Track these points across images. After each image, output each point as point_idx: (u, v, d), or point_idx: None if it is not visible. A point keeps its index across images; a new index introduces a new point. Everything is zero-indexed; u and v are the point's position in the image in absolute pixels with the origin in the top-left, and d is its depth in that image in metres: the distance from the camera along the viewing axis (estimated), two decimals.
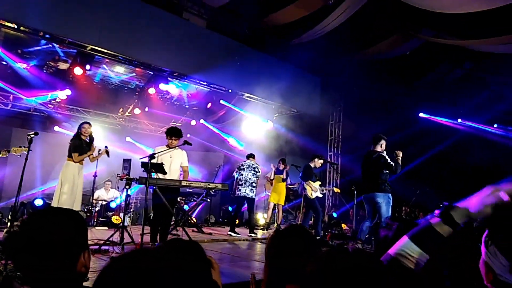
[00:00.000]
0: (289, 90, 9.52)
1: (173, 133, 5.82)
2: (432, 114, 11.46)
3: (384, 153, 5.87)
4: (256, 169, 8.13)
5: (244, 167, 8.14)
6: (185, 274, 0.91)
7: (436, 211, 1.21)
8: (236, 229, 7.74)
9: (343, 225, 9.36)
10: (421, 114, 11.55)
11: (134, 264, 0.75)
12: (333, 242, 7.20)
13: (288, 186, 10.19)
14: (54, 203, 5.71)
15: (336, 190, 9.61)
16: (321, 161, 7.98)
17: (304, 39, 8.95)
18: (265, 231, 8.79)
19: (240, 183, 7.97)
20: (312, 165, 7.87)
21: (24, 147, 5.38)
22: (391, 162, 5.69)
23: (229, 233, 7.63)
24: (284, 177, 8.95)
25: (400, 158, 5.79)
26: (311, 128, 10.76)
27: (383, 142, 6.01)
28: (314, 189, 7.62)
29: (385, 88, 11.38)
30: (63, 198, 5.60)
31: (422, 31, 8.58)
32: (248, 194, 7.91)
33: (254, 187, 8.01)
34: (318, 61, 10.09)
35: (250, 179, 7.99)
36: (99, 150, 6.19)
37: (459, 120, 11.15)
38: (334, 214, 9.77)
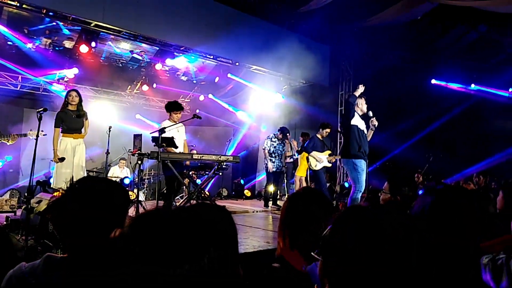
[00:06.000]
0: (298, 61, 9.29)
1: (176, 107, 5.87)
2: (445, 80, 11.18)
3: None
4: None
5: None
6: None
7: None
8: (251, 202, 7.82)
9: None
10: (433, 81, 11.28)
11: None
12: None
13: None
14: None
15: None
16: (327, 130, 7.78)
17: (312, 6, 8.68)
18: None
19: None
20: (318, 135, 7.76)
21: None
22: None
23: (273, 206, 7.72)
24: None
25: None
26: (321, 99, 10.59)
27: None
28: (319, 160, 7.52)
29: (396, 55, 11.07)
30: (55, 174, 5.32)
31: None
32: None
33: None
34: (327, 29, 9.80)
35: None
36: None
37: (473, 86, 10.87)
38: (346, 184, 9.74)
